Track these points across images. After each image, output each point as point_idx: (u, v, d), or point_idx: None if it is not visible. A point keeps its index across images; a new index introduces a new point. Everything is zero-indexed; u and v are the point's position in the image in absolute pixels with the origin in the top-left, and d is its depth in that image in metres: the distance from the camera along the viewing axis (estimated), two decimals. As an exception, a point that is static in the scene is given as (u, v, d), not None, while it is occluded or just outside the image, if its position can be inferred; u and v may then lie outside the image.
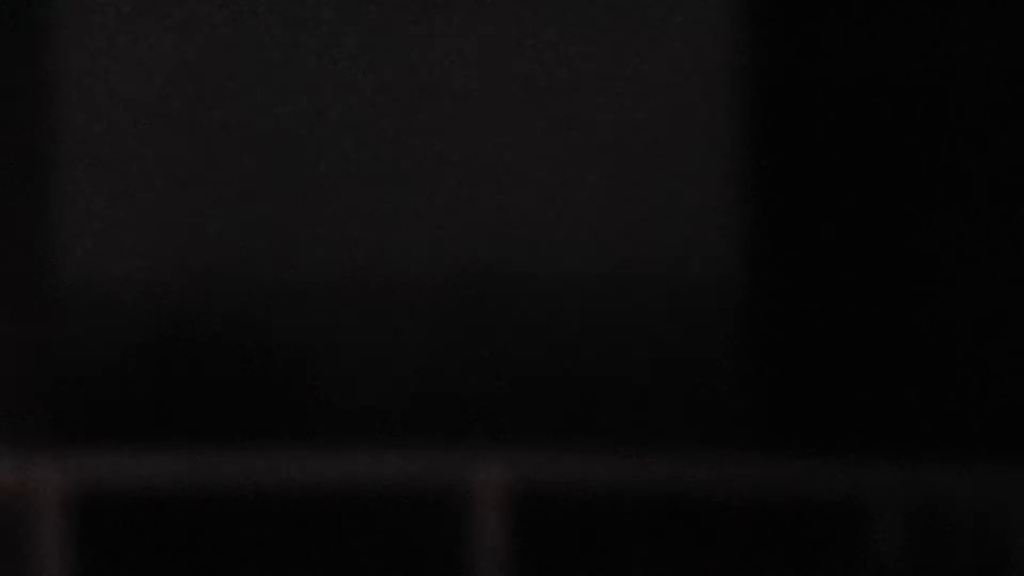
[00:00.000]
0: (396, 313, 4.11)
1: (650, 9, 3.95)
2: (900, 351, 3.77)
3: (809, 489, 2.83)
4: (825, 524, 3.50)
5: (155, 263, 3.82)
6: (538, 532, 2.68)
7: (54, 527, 2.75)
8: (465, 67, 4.03)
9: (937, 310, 3.79)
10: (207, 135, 4.03)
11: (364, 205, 4.23)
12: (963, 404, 3.63)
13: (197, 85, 3.99)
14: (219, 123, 3.96)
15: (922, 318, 3.77)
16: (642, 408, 3.77)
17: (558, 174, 4.16)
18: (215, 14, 3.86)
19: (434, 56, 4.12)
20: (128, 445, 2.92)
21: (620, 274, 4.11)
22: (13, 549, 2.78)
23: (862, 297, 3.82)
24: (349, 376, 3.86)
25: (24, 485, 2.78)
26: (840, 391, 3.74)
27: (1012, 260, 3.74)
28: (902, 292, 3.81)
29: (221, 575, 3.19)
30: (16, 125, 2.93)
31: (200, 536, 3.22)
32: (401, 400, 3.77)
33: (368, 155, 4.21)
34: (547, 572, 2.67)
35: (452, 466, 2.72)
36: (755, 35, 3.93)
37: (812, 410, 3.75)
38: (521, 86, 4.12)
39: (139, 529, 3.16)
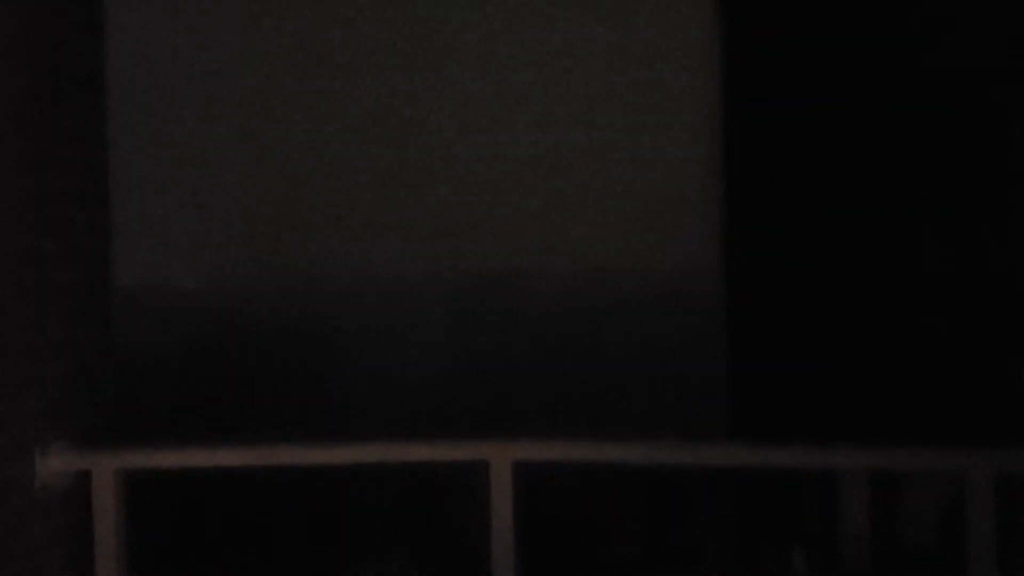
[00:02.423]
0: (425, 316, 4.33)
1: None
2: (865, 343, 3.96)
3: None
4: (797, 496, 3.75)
5: (202, 271, 4.05)
6: (536, 500, 3.01)
7: (108, 505, 3.03)
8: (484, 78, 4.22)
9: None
10: (250, 151, 4.24)
11: (396, 214, 4.44)
12: (922, 390, 3.85)
13: (242, 103, 4.18)
14: (257, 144, 4.17)
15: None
16: (627, 398, 4.01)
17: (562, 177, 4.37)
18: (255, 41, 4.05)
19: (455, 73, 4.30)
20: (175, 437, 3.17)
21: (615, 271, 4.29)
22: (76, 519, 3.06)
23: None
24: (386, 374, 4.11)
25: (83, 471, 3.06)
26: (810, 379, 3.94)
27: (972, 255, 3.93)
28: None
29: (264, 545, 3.48)
30: (76, 141, 3.09)
31: (243, 514, 3.51)
32: (431, 396, 4.04)
33: (399, 165, 4.42)
34: (543, 531, 3.02)
35: (471, 451, 3.02)
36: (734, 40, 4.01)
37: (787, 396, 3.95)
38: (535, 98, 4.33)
39: (185, 507, 3.44)
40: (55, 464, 2.97)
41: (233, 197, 4.27)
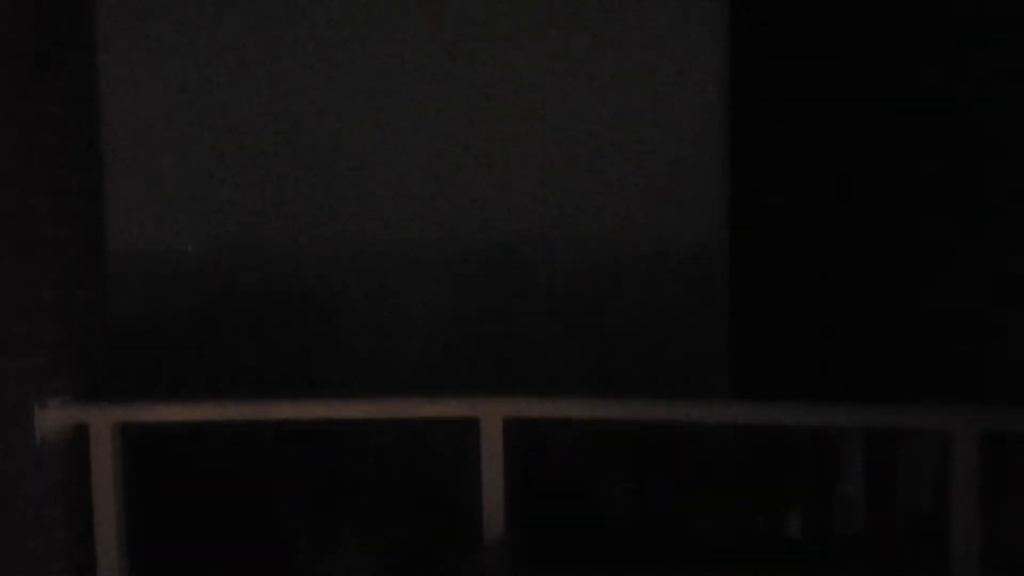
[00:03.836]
0: (422, 276, 4.37)
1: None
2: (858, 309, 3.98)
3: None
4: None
5: (197, 234, 4.08)
6: (525, 453, 3.06)
7: (106, 458, 3.09)
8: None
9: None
10: (241, 113, 4.26)
11: (398, 177, 4.47)
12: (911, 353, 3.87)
13: (230, 69, 4.20)
14: (251, 101, 4.19)
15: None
16: (629, 364, 4.04)
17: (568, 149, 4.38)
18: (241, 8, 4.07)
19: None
20: (172, 390, 3.22)
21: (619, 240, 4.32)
22: (75, 473, 3.12)
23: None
24: (384, 338, 4.16)
25: (81, 426, 3.12)
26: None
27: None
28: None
29: (257, 496, 3.55)
30: (68, 101, 3.11)
31: (234, 465, 3.57)
32: (428, 353, 4.09)
33: (399, 128, 4.44)
34: (531, 482, 3.07)
35: (461, 407, 3.06)
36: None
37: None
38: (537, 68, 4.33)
39: (185, 459, 3.51)
40: (53, 418, 3.03)
41: (229, 160, 4.31)
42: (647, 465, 3.96)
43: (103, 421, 3.12)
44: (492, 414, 3.03)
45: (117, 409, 3.14)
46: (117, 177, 3.47)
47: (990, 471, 2.78)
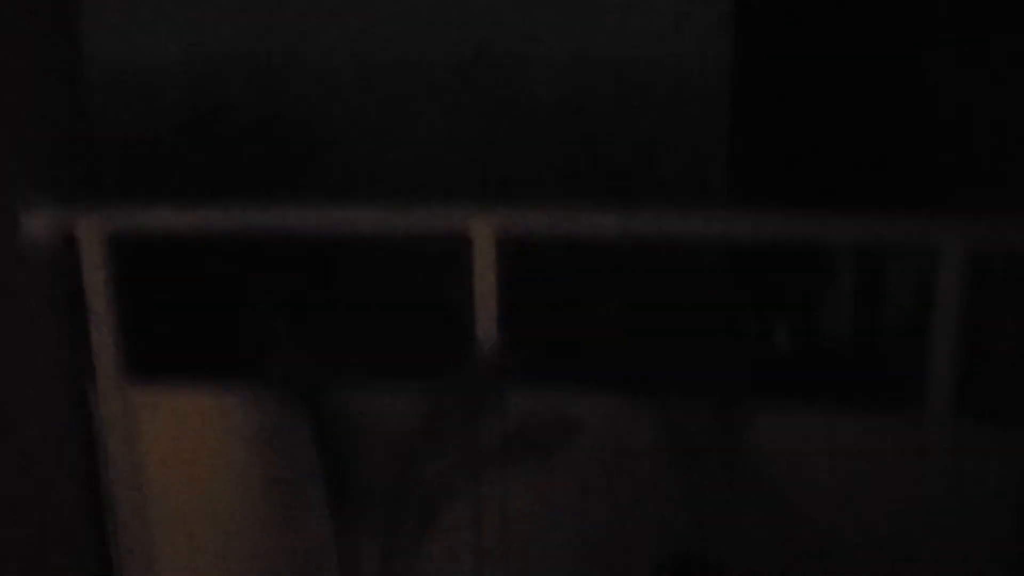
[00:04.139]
0: (409, 91, 4.28)
1: None
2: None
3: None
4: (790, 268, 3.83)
5: (184, 43, 3.96)
6: (515, 265, 3.08)
7: (97, 266, 3.10)
8: None
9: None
10: None
11: None
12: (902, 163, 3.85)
13: None
14: None
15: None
16: (627, 183, 4.01)
17: None
18: None
19: None
20: (161, 199, 3.19)
21: (611, 57, 4.21)
22: (64, 283, 3.15)
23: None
24: (376, 156, 4.11)
25: (70, 231, 3.12)
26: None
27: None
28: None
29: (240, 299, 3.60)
30: None
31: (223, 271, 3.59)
32: (419, 167, 4.06)
33: None
34: (520, 295, 3.11)
35: (453, 219, 3.06)
36: None
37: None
38: None
39: (168, 266, 3.53)
40: (41, 222, 3.02)
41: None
42: (640, 279, 4.00)
43: (92, 228, 3.11)
44: (484, 226, 3.02)
45: (106, 215, 3.13)
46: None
47: (975, 289, 2.82)
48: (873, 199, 3.03)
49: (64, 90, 3.13)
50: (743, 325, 4.07)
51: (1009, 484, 2.89)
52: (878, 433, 3.01)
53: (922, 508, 2.96)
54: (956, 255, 2.80)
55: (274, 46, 4.27)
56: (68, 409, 3.29)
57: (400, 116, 4.18)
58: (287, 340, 2.83)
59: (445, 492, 2.75)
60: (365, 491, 2.75)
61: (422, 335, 3.82)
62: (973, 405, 2.89)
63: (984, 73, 3.80)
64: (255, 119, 4.07)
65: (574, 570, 3.31)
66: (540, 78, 4.25)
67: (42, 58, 3.04)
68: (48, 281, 3.12)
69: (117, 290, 3.19)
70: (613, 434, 2.81)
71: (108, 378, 3.22)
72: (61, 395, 3.26)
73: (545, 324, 3.94)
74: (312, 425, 2.76)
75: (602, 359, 3.95)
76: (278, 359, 2.82)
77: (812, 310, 4.09)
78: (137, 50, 3.92)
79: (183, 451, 3.33)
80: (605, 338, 4.10)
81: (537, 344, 3.03)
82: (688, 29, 4.17)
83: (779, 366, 4.05)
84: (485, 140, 4.13)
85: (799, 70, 3.97)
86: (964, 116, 3.83)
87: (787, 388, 3.84)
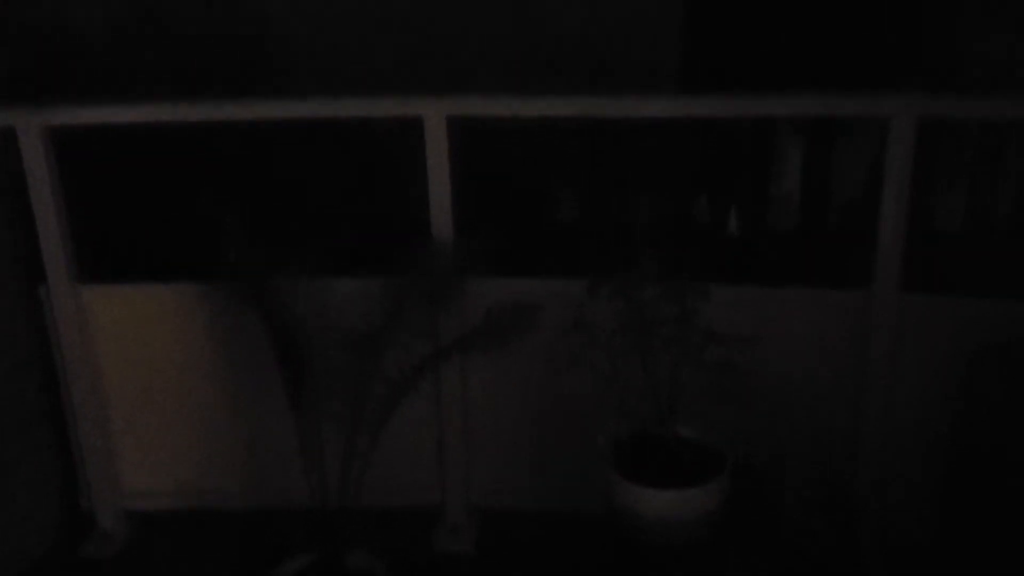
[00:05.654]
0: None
1: None
2: None
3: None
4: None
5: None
6: (468, 150, 3.08)
7: (39, 156, 3.04)
8: None
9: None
10: None
11: None
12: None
13: None
14: None
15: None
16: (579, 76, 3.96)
17: None
18: None
19: None
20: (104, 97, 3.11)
21: None
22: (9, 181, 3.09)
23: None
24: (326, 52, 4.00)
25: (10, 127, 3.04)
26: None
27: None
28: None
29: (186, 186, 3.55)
30: None
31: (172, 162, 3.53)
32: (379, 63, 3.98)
33: None
34: (474, 178, 3.13)
35: (405, 106, 3.03)
36: None
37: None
38: None
39: (117, 159, 3.46)
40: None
41: None
42: (593, 161, 4.00)
43: (33, 123, 3.03)
44: (436, 112, 3.00)
45: (45, 111, 3.04)
46: None
47: (921, 166, 2.86)
48: (824, 77, 3.03)
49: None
50: (694, 208, 4.10)
51: (953, 356, 2.98)
52: (828, 308, 3.08)
53: (870, 381, 3.06)
54: (906, 127, 2.83)
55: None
56: (20, 307, 3.25)
57: (346, 16, 4.07)
58: (237, 233, 2.79)
59: (405, 381, 2.78)
60: (326, 382, 2.77)
61: (379, 225, 3.80)
62: (919, 280, 2.96)
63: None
64: (199, 20, 3.93)
65: (535, 452, 3.39)
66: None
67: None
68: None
69: (63, 190, 3.12)
70: (571, 314, 2.85)
71: (58, 274, 3.18)
72: (11, 291, 3.21)
73: (498, 211, 3.94)
74: (264, 316, 2.75)
75: (556, 244, 3.98)
76: (228, 251, 2.79)
77: (762, 192, 4.12)
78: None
79: (137, 346, 3.32)
80: (558, 224, 4.12)
81: (491, 232, 3.03)
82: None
83: (731, 247, 4.09)
84: (428, 28, 4.05)
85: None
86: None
87: (739, 269, 3.91)
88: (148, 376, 3.36)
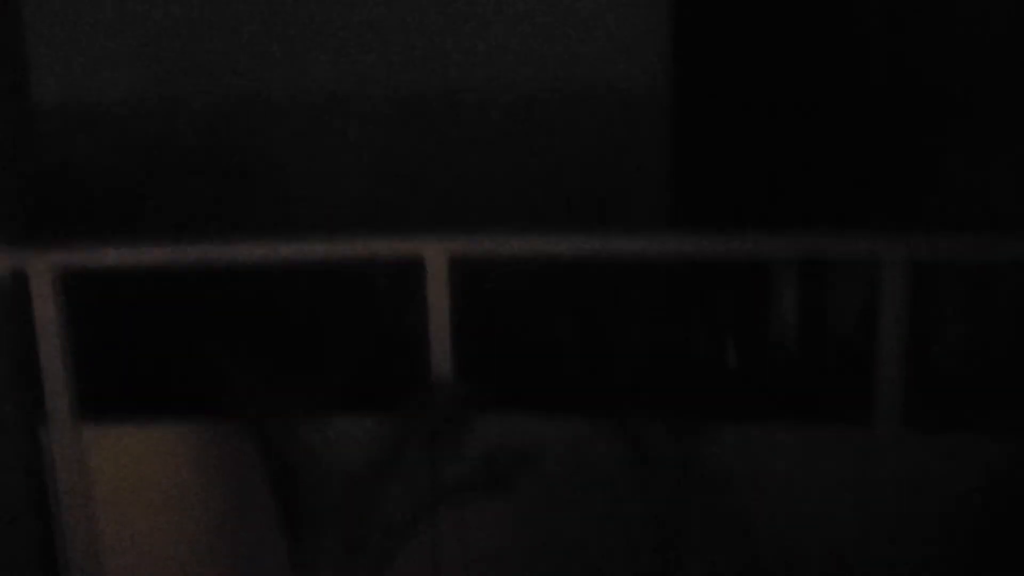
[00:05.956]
0: (365, 127, 4.29)
1: None
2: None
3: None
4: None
5: (130, 81, 3.94)
6: (469, 289, 3.11)
7: (47, 301, 3.07)
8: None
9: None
10: None
11: (329, 28, 4.31)
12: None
13: None
14: None
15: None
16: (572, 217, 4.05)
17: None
18: None
19: None
20: (111, 235, 3.17)
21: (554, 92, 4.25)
22: (17, 318, 3.11)
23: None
24: (321, 178, 4.11)
25: (21, 270, 3.08)
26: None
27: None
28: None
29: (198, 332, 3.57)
30: None
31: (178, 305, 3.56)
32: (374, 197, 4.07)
33: None
34: (474, 316, 3.15)
35: (406, 246, 3.08)
36: None
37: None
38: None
39: (127, 302, 3.49)
40: (-9, 262, 2.98)
41: (158, 6, 4.11)
42: (590, 299, 4.04)
43: (42, 266, 3.08)
44: (437, 253, 3.05)
45: (56, 253, 3.09)
46: (40, 21, 3.31)
47: (917, 299, 2.89)
48: (816, 214, 3.09)
49: (10, 127, 3.10)
50: (692, 343, 4.12)
51: (957, 492, 2.95)
52: (829, 445, 3.06)
53: (874, 517, 3.01)
54: (898, 267, 2.87)
55: (215, 84, 4.26)
56: (19, 448, 3.23)
57: (343, 150, 4.19)
58: (239, 372, 2.81)
59: (404, 523, 2.74)
60: (323, 523, 2.74)
61: (379, 365, 3.82)
62: (920, 415, 2.96)
63: (921, 95, 3.91)
64: (200, 155, 4.05)
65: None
66: (480, 107, 4.28)
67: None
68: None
69: (69, 327, 3.15)
70: (574, 456, 2.83)
71: (60, 416, 3.17)
72: (12, 434, 3.20)
73: (499, 349, 3.96)
74: (265, 456, 2.74)
75: (557, 381, 3.98)
76: (230, 391, 2.80)
77: (759, 325, 4.15)
78: (83, 86, 3.89)
79: (135, 486, 3.29)
80: (558, 360, 4.13)
81: (493, 369, 3.05)
82: (628, 51, 4.23)
83: (729, 381, 4.10)
84: (428, 171, 4.16)
85: (739, 87, 4.05)
86: (903, 133, 3.93)
87: (738, 403, 3.90)
88: (144, 512, 3.31)
